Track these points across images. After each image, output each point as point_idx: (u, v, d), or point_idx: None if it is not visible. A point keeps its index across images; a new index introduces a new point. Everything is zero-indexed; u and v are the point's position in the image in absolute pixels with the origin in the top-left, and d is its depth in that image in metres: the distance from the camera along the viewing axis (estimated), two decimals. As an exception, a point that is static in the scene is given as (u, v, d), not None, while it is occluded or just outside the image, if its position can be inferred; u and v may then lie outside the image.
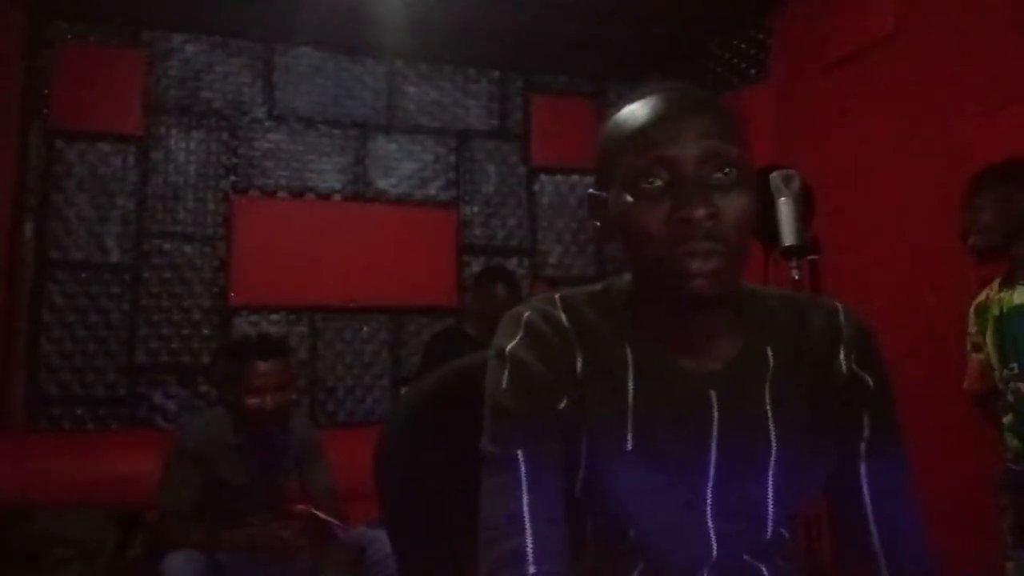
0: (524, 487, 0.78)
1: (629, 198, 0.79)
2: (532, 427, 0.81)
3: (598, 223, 0.87)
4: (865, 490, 0.87)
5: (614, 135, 0.83)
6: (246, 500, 2.28)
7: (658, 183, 0.78)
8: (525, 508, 0.77)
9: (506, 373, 0.83)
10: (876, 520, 0.86)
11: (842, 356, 0.87)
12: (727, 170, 0.78)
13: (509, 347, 0.84)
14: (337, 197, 3.87)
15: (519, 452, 0.79)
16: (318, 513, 2.25)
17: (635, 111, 0.81)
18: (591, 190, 0.88)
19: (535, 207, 4.20)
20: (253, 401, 2.22)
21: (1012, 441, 1.93)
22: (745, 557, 0.87)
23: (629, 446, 0.82)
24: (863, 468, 0.87)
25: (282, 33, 3.70)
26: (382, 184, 3.94)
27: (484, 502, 0.80)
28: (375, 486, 1.02)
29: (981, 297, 2.04)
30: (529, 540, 0.76)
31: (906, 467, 0.89)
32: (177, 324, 3.54)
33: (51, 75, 3.45)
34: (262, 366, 2.23)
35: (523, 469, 0.79)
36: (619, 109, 0.84)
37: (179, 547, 2.14)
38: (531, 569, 0.74)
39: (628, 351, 0.85)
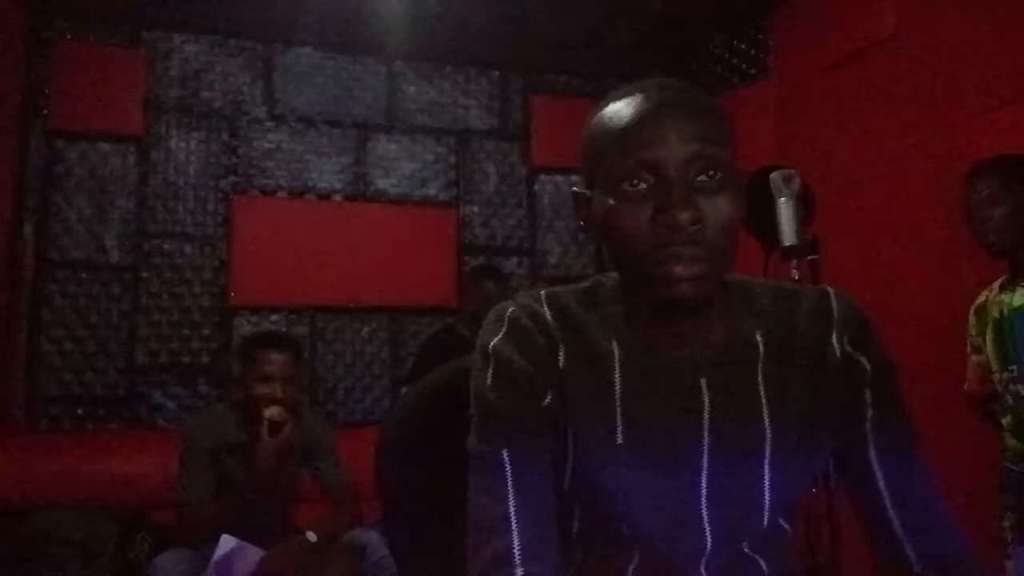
0: (510, 487, 0.78)
1: (612, 200, 0.77)
2: (517, 425, 0.80)
3: (583, 222, 0.86)
4: (878, 474, 0.83)
5: (598, 134, 0.80)
6: (254, 498, 2.28)
7: (642, 186, 0.76)
8: (512, 509, 0.77)
9: (490, 371, 0.82)
10: (894, 505, 0.82)
11: (835, 339, 0.85)
12: (712, 173, 0.76)
13: (492, 343, 0.83)
14: (337, 197, 3.87)
15: (504, 452, 0.79)
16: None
17: (619, 110, 0.79)
18: (575, 188, 0.86)
19: (535, 207, 4.20)
20: (264, 390, 2.23)
21: (1011, 441, 1.93)
22: (743, 548, 0.85)
23: (619, 439, 0.81)
24: (872, 452, 0.83)
25: (282, 33, 3.70)
26: (382, 184, 3.94)
27: (471, 502, 0.80)
28: (376, 485, 1.02)
29: (980, 299, 2.04)
30: (516, 541, 0.75)
31: (918, 444, 0.85)
32: (177, 324, 3.55)
33: (51, 75, 3.45)
34: (274, 356, 2.25)
35: (509, 469, 0.78)
36: (604, 106, 0.82)
37: (207, 531, 2.14)
38: (519, 571, 0.74)
39: (615, 344, 0.84)
